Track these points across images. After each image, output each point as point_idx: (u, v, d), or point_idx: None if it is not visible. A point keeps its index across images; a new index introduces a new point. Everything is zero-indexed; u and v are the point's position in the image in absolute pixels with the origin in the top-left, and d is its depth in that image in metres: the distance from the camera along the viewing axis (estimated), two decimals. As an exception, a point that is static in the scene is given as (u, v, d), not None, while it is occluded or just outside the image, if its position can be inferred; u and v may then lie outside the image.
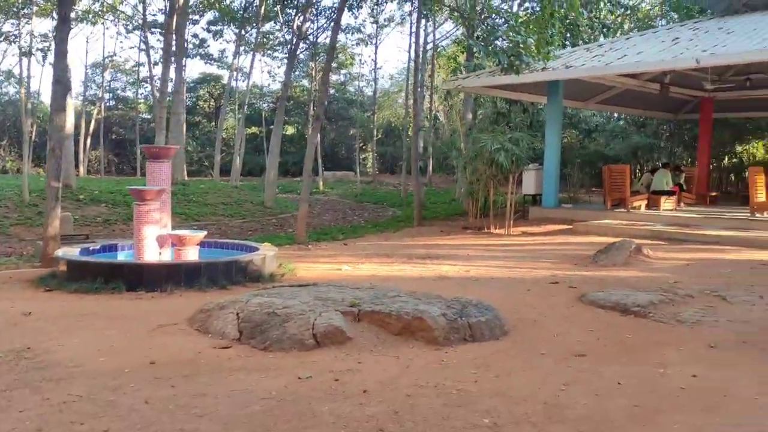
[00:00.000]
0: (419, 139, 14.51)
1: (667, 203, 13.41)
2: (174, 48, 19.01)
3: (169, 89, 20.80)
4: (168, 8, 19.83)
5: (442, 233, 12.62)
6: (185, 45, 24.00)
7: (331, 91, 37.21)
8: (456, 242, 11.18)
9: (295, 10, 20.69)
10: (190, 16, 25.93)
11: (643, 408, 3.40)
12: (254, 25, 24.02)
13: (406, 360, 4.16)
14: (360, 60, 39.30)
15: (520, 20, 10.89)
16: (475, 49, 11.43)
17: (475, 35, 11.08)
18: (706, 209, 13.90)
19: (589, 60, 12.56)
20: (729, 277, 7.47)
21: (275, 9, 21.64)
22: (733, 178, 22.28)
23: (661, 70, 12.50)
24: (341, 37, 27.53)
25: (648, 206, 13.31)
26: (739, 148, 22.31)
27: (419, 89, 14.52)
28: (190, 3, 23.91)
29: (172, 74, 20.64)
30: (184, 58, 23.65)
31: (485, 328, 4.75)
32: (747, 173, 19.43)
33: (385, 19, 28.38)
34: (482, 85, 13.73)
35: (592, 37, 21.39)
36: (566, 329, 5.06)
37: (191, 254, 7.24)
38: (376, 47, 29.57)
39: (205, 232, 7.80)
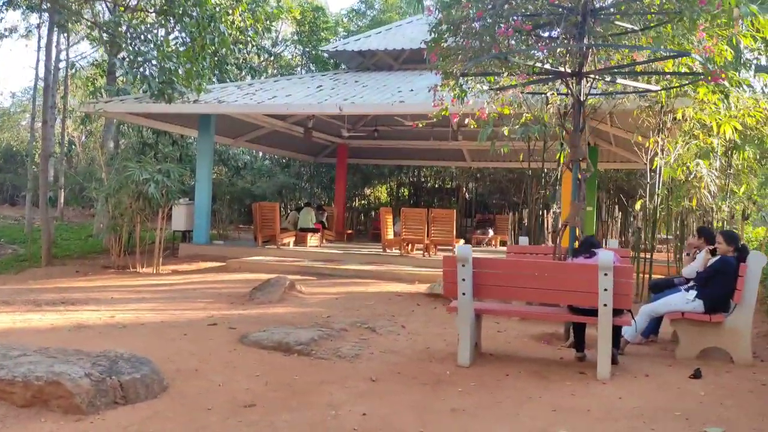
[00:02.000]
0: (50, 167, 12.59)
1: (312, 240, 14.14)
2: None
3: None
4: None
5: (78, 274, 11.04)
6: None
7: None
8: (96, 284, 9.85)
9: None
10: None
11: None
12: None
13: (35, 442, 3.25)
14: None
15: (169, 48, 10.27)
16: (119, 73, 10.37)
17: (121, 57, 10.08)
18: (346, 245, 15.11)
19: (241, 97, 12.61)
20: (373, 308, 8.01)
21: None
22: (362, 217, 24.87)
23: (308, 114, 13.24)
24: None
25: (296, 243, 13.84)
26: (367, 191, 25.13)
27: (50, 110, 12.65)
28: None
29: None
30: None
31: (140, 386, 4.05)
32: (375, 214, 21.98)
33: (5, 29, 24.46)
34: (128, 111, 12.62)
35: (239, 76, 21.85)
36: (231, 377, 4.66)
37: None
38: (-6, 58, 25.13)
39: None
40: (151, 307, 7.86)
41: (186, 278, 10.57)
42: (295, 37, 26.22)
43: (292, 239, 13.70)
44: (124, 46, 9.90)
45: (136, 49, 9.54)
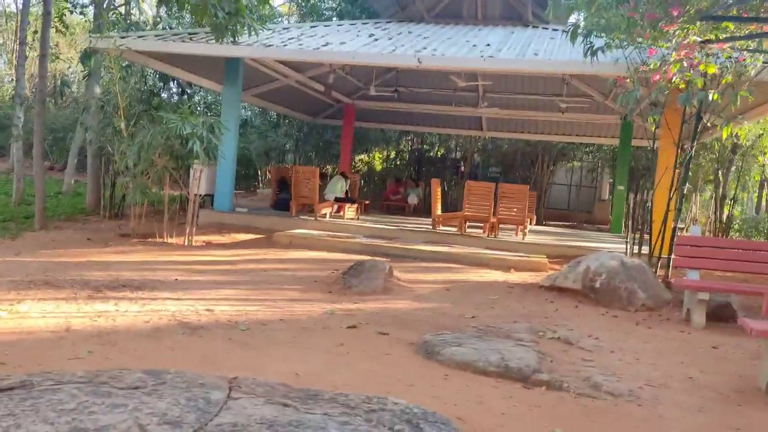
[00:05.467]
0: (40, 113, 10.35)
1: (350, 211, 12.52)
2: None
3: None
4: None
5: (92, 243, 9.08)
6: None
7: None
8: (132, 258, 7.97)
9: None
10: None
11: None
12: None
13: None
14: None
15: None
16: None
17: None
18: (378, 218, 13.54)
19: (287, 42, 10.73)
20: (506, 306, 6.63)
21: None
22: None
23: (382, 64, 11.46)
24: None
25: (332, 214, 12.19)
26: (361, 157, 23.36)
27: (48, 42, 10.38)
28: None
29: None
30: None
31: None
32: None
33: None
34: (150, 50, 10.51)
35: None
36: (524, 434, 3.18)
37: None
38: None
39: None
40: (243, 296, 6.22)
41: (238, 254, 8.78)
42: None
43: (329, 210, 12.02)
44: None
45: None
